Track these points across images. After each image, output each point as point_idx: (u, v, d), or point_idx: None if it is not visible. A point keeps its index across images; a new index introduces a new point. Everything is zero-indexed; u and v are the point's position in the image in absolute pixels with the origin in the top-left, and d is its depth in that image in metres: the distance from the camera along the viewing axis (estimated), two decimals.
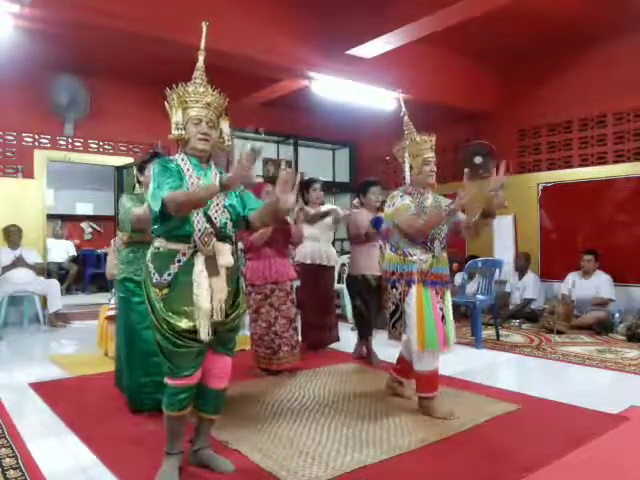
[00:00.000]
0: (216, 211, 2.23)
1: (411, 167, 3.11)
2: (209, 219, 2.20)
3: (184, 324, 2.14)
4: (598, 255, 5.91)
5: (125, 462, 2.45)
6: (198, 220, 2.17)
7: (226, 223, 2.26)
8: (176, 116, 2.24)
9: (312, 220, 4.60)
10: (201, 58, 2.36)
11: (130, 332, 3.14)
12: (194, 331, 2.15)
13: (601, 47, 6.10)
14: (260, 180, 6.19)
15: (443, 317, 3.06)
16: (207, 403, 2.33)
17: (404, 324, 3.06)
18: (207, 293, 2.15)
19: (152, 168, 2.22)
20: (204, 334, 2.15)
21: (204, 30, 2.37)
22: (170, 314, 2.15)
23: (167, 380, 2.22)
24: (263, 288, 3.88)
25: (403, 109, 3.24)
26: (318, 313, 4.73)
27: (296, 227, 4.17)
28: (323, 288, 4.77)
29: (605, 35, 5.92)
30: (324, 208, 4.76)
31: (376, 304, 4.30)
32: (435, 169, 3.10)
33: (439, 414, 3.03)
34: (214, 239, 2.21)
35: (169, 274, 2.17)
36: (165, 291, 2.17)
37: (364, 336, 4.42)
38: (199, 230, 2.17)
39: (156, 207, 2.07)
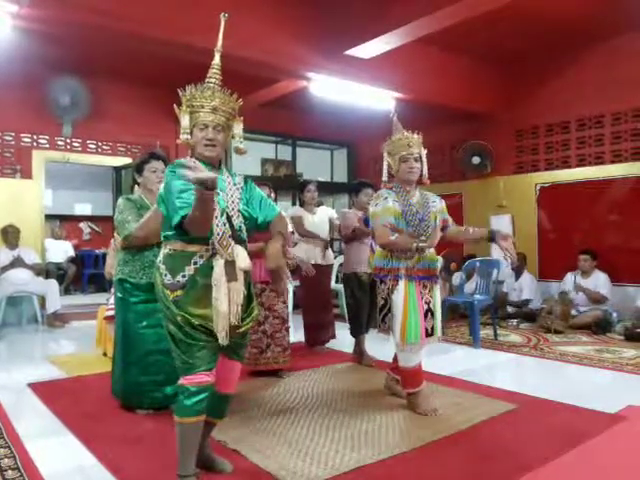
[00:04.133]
0: (232, 214, 2.18)
1: (390, 166, 3.16)
2: (229, 220, 2.15)
3: (198, 321, 2.08)
4: (595, 255, 5.92)
5: (123, 462, 2.45)
6: (217, 223, 2.10)
7: (241, 227, 2.23)
8: (183, 120, 2.19)
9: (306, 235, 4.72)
10: (217, 55, 2.29)
11: (128, 332, 3.14)
12: (209, 329, 2.09)
13: (599, 47, 6.12)
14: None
15: (429, 310, 3.10)
16: (215, 406, 2.26)
17: (392, 318, 3.11)
18: (226, 297, 2.10)
19: (165, 174, 2.15)
20: (222, 338, 2.09)
21: (222, 24, 2.28)
22: (183, 313, 2.09)
23: (182, 381, 2.10)
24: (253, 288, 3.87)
25: (392, 111, 3.31)
26: (316, 312, 4.77)
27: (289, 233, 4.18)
28: (320, 287, 4.79)
29: (603, 35, 5.93)
30: (318, 213, 4.80)
31: (369, 302, 4.33)
32: (414, 166, 3.09)
33: (421, 410, 3.09)
34: (233, 242, 2.16)
35: (183, 275, 2.10)
36: (178, 293, 2.10)
37: (355, 335, 4.43)
38: (218, 234, 2.11)
39: (175, 221, 2.02)
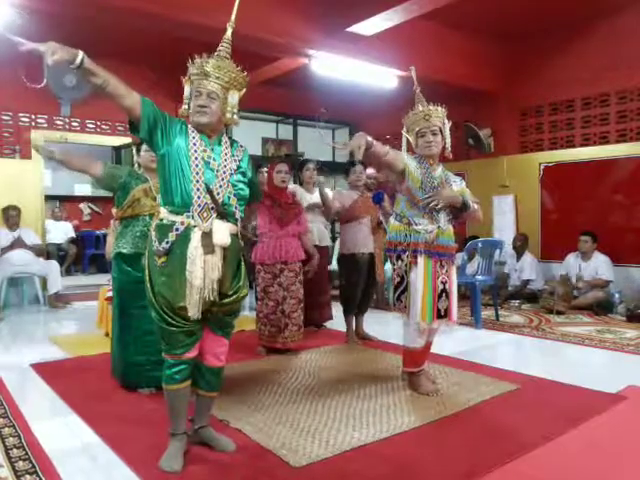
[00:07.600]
0: (220, 186, 2.17)
1: (410, 142, 3.07)
2: (211, 193, 2.14)
3: (178, 301, 2.11)
4: (596, 236, 5.88)
5: (126, 440, 2.47)
6: (198, 196, 2.13)
7: (229, 198, 2.21)
8: (185, 91, 2.22)
9: (310, 208, 4.64)
10: (229, 30, 2.31)
11: (124, 312, 3.15)
12: (183, 316, 2.14)
13: (604, 25, 6.01)
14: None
15: (444, 291, 3.02)
16: (202, 379, 2.33)
17: (410, 296, 3.00)
18: (200, 270, 2.10)
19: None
20: (193, 312, 2.11)
21: (236, 3, 2.29)
22: (167, 289, 2.13)
23: (163, 354, 2.24)
24: (272, 267, 3.89)
25: (415, 83, 3.15)
26: (314, 293, 4.74)
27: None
28: (318, 268, 4.78)
29: (608, 12, 5.82)
30: (316, 193, 4.76)
31: (364, 283, 4.31)
32: (431, 139, 2.98)
33: (423, 390, 3.08)
34: (214, 215, 2.15)
35: (167, 242, 2.13)
36: (163, 259, 2.14)
37: (348, 314, 4.42)
38: (199, 205, 2.13)
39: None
